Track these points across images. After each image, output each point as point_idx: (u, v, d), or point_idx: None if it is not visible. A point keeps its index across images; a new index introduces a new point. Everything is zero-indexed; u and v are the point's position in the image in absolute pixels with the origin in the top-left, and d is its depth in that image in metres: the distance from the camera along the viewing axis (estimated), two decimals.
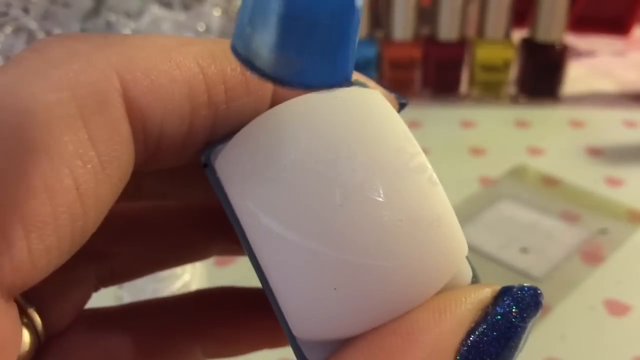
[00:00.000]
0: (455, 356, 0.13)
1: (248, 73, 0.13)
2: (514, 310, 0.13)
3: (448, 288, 0.14)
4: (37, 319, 0.16)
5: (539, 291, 0.14)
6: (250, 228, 0.13)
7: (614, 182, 0.49)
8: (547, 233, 0.43)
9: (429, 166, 0.14)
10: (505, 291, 0.14)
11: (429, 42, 0.60)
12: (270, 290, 0.14)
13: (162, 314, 0.20)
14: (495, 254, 0.41)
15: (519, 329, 0.13)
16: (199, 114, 0.14)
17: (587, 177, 0.49)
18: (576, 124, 0.57)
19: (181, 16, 0.67)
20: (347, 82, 0.12)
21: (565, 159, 0.52)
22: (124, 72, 0.13)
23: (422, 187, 0.13)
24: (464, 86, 0.61)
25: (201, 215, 0.20)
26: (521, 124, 0.57)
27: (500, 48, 0.59)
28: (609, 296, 0.38)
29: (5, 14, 0.63)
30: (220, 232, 0.19)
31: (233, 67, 0.15)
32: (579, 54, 0.69)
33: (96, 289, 0.19)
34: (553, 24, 0.57)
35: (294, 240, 0.13)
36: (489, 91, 0.60)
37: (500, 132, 0.56)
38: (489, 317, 0.13)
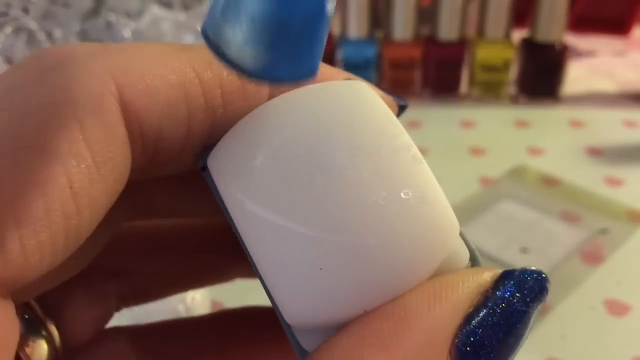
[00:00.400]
0: (452, 343, 0.12)
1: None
2: (516, 294, 0.13)
3: (444, 271, 0.13)
4: (55, 333, 0.16)
5: (543, 275, 0.13)
6: (238, 218, 0.13)
7: (614, 182, 0.49)
8: (547, 233, 0.43)
9: (413, 144, 0.13)
10: (506, 275, 0.13)
11: (429, 42, 0.60)
12: (262, 279, 0.13)
13: (187, 333, 0.20)
14: (495, 254, 0.41)
15: (522, 314, 0.13)
16: (196, 117, 0.15)
17: (587, 177, 0.49)
18: (576, 124, 0.57)
19: (181, 16, 0.67)
20: (313, 76, 0.12)
21: (565, 159, 0.52)
22: (119, 76, 0.14)
23: (405, 165, 0.13)
24: (464, 86, 0.61)
25: (221, 235, 0.20)
26: (521, 124, 0.57)
27: (500, 48, 0.59)
28: (609, 296, 0.38)
29: (5, 14, 0.63)
30: (242, 254, 0.20)
31: (230, 72, 0.15)
32: (579, 54, 0.69)
33: (117, 308, 0.19)
34: (553, 24, 0.57)
35: (277, 223, 0.13)
36: (489, 91, 0.60)
37: (500, 132, 0.56)
38: (488, 302, 0.13)
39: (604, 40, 0.70)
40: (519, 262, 0.41)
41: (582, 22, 0.66)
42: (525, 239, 0.43)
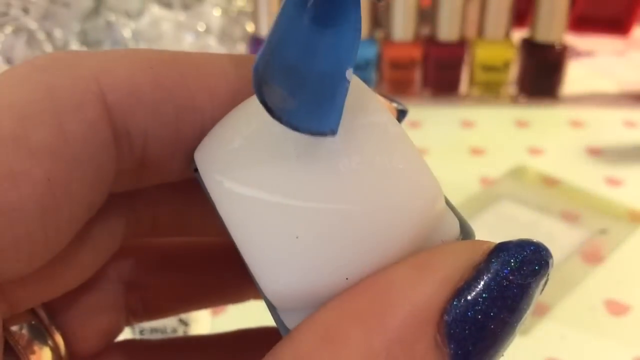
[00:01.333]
0: (441, 319, 0.11)
1: (233, 81, 0.14)
2: (513, 268, 0.11)
3: (432, 244, 0.12)
4: (61, 342, 0.16)
5: (542, 248, 0.12)
6: (218, 200, 0.13)
7: (614, 182, 0.49)
8: (547, 233, 0.43)
9: (390, 115, 0.13)
10: (501, 247, 0.12)
11: (429, 42, 0.60)
12: (244, 260, 0.13)
13: (201, 351, 0.19)
14: None
15: (519, 289, 0.11)
16: (184, 119, 0.15)
17: (587, 177, 0.49)
18: (576, 124, 0.57)
19: (181, 16, 0.67)
20: (332, 133, 0.12)
21: (565, 159, 0.52)
22: (103, 77, 0.14)
23: (380, 133, 0.13)
24: (464, 86, 0.61)
25: (237, 255, 0.20)
26: (521, 123, 0.57)
27: (500, 48, 0.59)
28: (609, 296, 0.38)
29: (5, 14, 0.63)
30: None
31: (217, 76, 0.15)
32: (579, 54, 0.69)
33: (128, 322, 0.19)
34: (553, 24, 0.57)
35: (252, 195, 0.13)
36: (489, 91, 0.60)
37: (500, 132, 0.56)
38: (482, 276, 0.11)
39: (604, 40, 0.70)
40: None
41: (582, 22, 0.66)
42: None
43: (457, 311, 0.11)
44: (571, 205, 0.46)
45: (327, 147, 0.13)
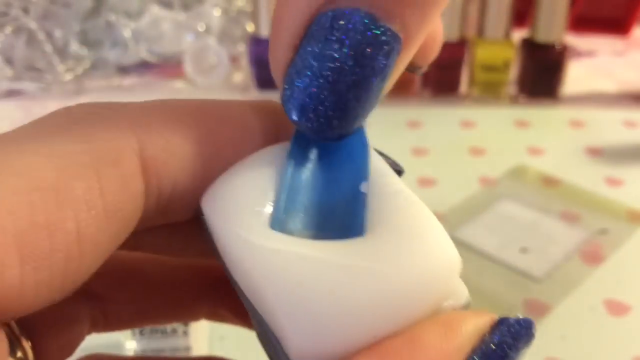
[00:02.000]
0: None
1: (255, 132, 0.16)
2: (509, 340, 0.14)
3: (445, 309, 0.14)
4: (30, 353, 0.16)
5: (532, 324, 0.14)
6: (234, 253, 0.14)
7: (614, 182, 0.49)
8: (547, 233, 0.43)
9: (406, 189, 0.14)
10: (502, 321, 0.14)
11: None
12: (258, 319, 0.13)
13: None
14: (495, 254, 0.41)
15: (511, 359, 0.14)
16: (210, 170, 0.15)
17: (587, 177, 0.49)
18: (576, 124, 0.57)
19: (181, 16, 0.67)
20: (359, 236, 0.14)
21: (565, 159, 0.52)
22: (140, 132, 0.14)
23: (402, 201, 0.14)
24: (464, 86, 0.61)
25: (194, 274, 0.20)
26: (521, 124, 0.57)
27: (500, 48, 0.59)
28: (609, 296, 0.38)
29: (5, 14, 0.63)
30: (210, 294, 0.20)
31: (242, 128, 0.16)
32: (579, 54, 0.69)
33: (88, 332, 0.19)
34: (553, 24, 0.57)
35: (276, 248, 0.13)
36: (489, 91, 0.60)
37: (500, 132, 0.56)
38: (485, 346, 0.13)
39: (604, 40, 0.70)
40: (519, 262, 0.41)
41: (582, 22, 0.66)
42: (525, 239, 0.43)
43: None
44: (571, 205, 0.46)
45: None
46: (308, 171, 0.15)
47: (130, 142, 0.14)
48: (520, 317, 0.14)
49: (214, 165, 0.15)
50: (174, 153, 0.15)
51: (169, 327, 0.32)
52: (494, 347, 0.13)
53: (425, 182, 0.48)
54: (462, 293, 0.14)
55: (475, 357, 0.13)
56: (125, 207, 0.14)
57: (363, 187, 0.14)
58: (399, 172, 0.17)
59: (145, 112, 0.15)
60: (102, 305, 0.19)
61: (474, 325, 0.13)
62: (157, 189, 0.15)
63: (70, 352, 0.18)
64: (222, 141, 0.15)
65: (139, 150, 0.14)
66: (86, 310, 0.19)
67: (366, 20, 0.13)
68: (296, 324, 0.12)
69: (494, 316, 0.14)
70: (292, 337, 0.12)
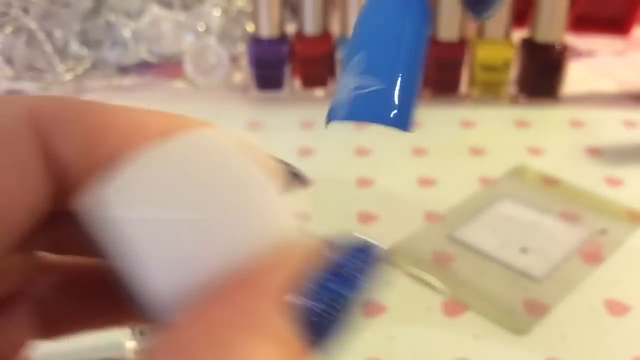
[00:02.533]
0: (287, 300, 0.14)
1: None
2: (349, 260, 0.14)
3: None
4: None
5: (375, 245, 0.15)
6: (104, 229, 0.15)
7: (614, 182, 0.49)
8: (547, 233, 0.43)
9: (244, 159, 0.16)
10: (337, 243, 0.15)
11: (428, 42, 0.59)
12: (127, 276, 0.15)
13: None
14: (495, 254, 0.41)
15: (354, 278, 0.14)
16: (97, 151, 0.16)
17: (587, 177, 0.49)
18: (576, 124, 0.57)
19: (181, 16, 0.67)
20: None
21: (565, 159, 0.52)
22: (37, 112, 0.15)
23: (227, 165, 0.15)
24: (464, 86, 0.61)
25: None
26: (521, 123, 0.57)
27: (500, 48, 0.59)
28: (609, 296, 0.38)
29: (5, 14, 0.63)
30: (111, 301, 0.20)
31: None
32: (579, 54, 0.69)
33: (30, 338, 0.19)
34: (553, 24, 0.57)
35: (138, 217, 0.15)
36: (489, 91, 0.60)
37: (500, 132, 0.56)
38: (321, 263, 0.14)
39: (604, 40, 0.70)
40: (519, 262, 0.41)
41: (582, 22, 0.66)
42: (525, 239, 0.43)
43: (301, 292, 0.14)
44: (571, 205, 0.46)
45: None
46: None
47: (22, 118, 0.15)
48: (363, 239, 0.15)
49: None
50: (72, 134, 0.15)
51: None
52: (332, 266, 0.14)
53: (425, 182, 0.48)
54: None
55: (310, 278, 0.14)
56: (25, 184, 0.15)
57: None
58: (302, 180, 0.18)
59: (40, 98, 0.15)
60: (40, 308, 0.19)
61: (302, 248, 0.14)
62: (55, 167, 0.15)
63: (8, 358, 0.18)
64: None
65: (35, 127, 0.15)
66: (23, 314, 0.19)
67: None
68: (151, 271, 0.15)
69: (327, 240, 0.15)
70: (153, 275, 0.15)
